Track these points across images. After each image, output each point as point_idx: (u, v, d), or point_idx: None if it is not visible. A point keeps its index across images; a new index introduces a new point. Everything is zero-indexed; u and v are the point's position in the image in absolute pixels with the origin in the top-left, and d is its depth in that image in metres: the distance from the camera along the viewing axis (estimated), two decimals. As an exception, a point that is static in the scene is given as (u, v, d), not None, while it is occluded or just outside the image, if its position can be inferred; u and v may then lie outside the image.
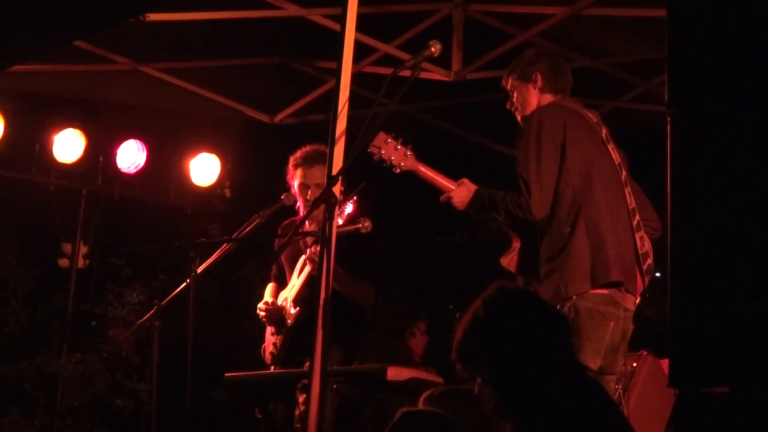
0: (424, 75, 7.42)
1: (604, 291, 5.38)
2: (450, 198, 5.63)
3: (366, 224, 6.03)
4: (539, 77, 5.70)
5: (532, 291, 4.90)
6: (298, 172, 6.50)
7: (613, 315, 5.38)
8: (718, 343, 3.15)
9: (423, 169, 5.67)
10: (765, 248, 3.12)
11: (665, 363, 6.42)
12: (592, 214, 5.42)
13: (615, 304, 5.40)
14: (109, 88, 8.77)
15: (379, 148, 5.59)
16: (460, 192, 5.62)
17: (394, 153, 5.61)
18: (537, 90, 5.71)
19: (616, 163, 5.65)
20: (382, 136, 5.59)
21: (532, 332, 3.67)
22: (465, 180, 5.66)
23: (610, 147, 5.67)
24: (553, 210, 5.45)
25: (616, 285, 5.39)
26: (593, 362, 5.18)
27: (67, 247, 9.12)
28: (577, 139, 5.50)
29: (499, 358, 3.65)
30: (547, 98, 5.69)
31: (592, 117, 5.70)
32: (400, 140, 5.63)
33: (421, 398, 5.29)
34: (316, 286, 4.59)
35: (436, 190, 5.69)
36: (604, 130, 5.70)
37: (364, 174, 5.60)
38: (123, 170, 9.03)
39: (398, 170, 5.65)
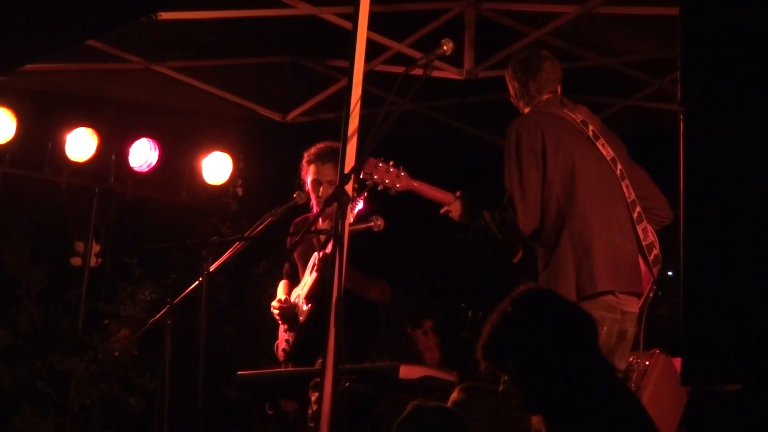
0: (436, 73, 7.45)
1: (596, 298, 5.39)
2: (449, 212, 5.69)
3: (378, 222, 6.03)
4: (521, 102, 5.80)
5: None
6: (311, 168, 6.51)
7: (607, 319, 5.38)
8: (730, 341, 3.15)
9: (418, 186, 5.69)
10: (778, 247, 3.12)
11: (678, 361, 6.41)
12: (575, 224, 5.43)
13: (609, 309, 5.40)
14: (122, 86, 8.78)
15: (371, 173, 5.60)
16: (457, 206, 5.66)
17: (387, 176, 5.62)
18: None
19: (608, 158, 5.63)
20: (372, 161, 5.60)
21: (560, 331, 3.70)
22: (460, 194, 5.68)
23: (600, 143, 5.64)
24: (542, 221, 5.47)
25: (605, 294, 5.39)
26: None
27: (80, 246, 9.14)
28: (556, 146, 5.50)
29: (528, 356, 3.67)
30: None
31: (577, 116, 5.68)
32: (392, 162, 5.64)
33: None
34: (327, 283, 4.59)
35: (434, 202, 5.73)
36: (591, 128, 5.67)
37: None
38: (135, 169, 9.04)
39: (394, 191, 5.66)
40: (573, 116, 5.67)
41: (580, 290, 5.34)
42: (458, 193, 5.69)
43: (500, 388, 3.80)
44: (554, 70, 5.79)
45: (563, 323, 3.74)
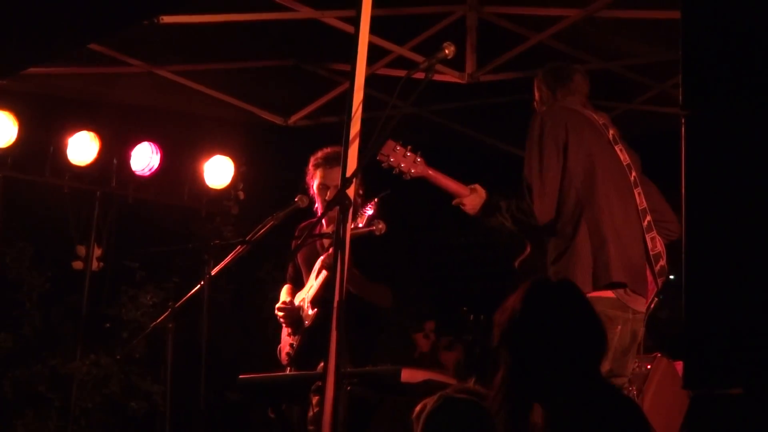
0: (437, 77, 7.45)
1: (610, 294, 5.38)
2: (462, 203, 5.66)
3: (380, 226, 6.02)
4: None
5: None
6: (318, 172, 6.48)
7: (621, 318, 5.39)
8: (732, 344, 3.15)
9: (433, 174, 5.67)
10: (780, 250, 3.12)
11: (680, 365, 6.42)
12: (594, 214, 5.43)
13: (623, 308, 5.41)
14: (123, 90, 8.79)
15: (388, 156, 5.58)
16: (472, 198, 5.64)
17: (404, 160, 5.60)
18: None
19: (625, 163, 5.65)
20: (390, 143, 5.59)
21: (570, 328, 3.66)
22: (477, 186, 5.67)
23: (618, 148, 5.67)
24: (558, 212, 5.47)
25: (619, 285, 5.39)
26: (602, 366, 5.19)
27: (82, 250, 9.15)
28: (579, 139, 5.51)
29: (532, 349, 3.65)
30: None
31: (599, 119, 5.72)
32: (409, 147, 5.62)
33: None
34: (332, 287, 4.59)
35: (448, 193, 5.71)
36: (611, 132, 5.70)
37: (384, 176, 5.60)
38: (137, 172, 9.04)
39: (408, 177, 5.64)
40: (595, 117, 5.70)
41: (596, 280, 5.34)
42: (474, 186, 5.68)
43: (497, 378, 3.78)
44: (583, 84, 5.82)
45: (574, 320, 3.69)
